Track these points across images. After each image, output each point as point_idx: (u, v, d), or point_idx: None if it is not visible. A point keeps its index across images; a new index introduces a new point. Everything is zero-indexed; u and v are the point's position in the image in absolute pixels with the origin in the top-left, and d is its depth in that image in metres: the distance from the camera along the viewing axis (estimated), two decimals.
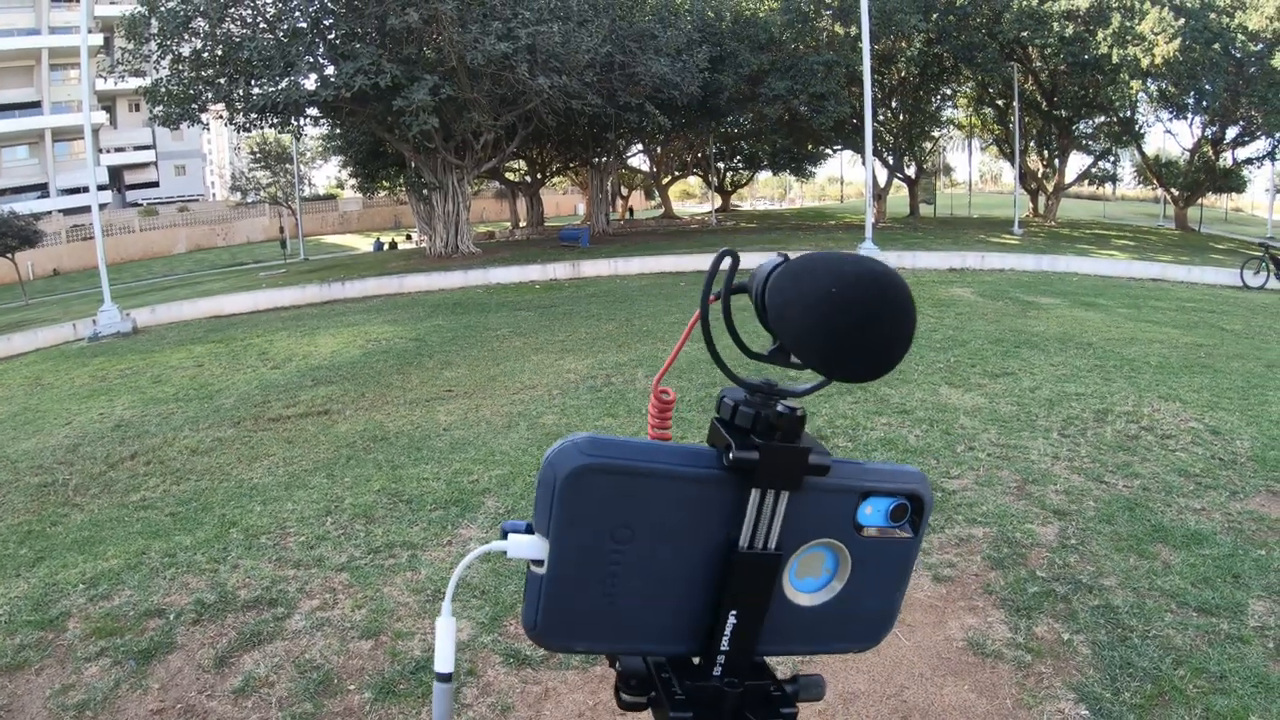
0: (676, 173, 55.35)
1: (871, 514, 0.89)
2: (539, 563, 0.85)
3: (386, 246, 45.65)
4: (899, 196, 47.67)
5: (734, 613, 0.87)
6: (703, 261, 24.12)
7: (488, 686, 3.63)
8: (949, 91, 44.39)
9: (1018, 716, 3.31)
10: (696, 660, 0.92)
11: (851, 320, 0.76)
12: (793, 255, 0.84)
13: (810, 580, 0.90)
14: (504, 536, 0.87)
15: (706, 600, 0.88)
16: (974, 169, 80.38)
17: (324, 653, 3.89)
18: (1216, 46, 31.36)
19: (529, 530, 0.86)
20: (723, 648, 0.88)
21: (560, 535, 0.83)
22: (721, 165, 53.92)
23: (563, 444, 0.83)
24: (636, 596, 0.87)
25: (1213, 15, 31.57)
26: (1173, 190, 42.56)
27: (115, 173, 54.95)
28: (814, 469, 0.84)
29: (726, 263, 0.89)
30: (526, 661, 3.77)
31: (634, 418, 7.75)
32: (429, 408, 8.99)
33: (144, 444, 8.56)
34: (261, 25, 25.67)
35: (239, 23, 25.53)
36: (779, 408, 0.84)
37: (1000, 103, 41.64)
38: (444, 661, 0.90)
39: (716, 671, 0.89)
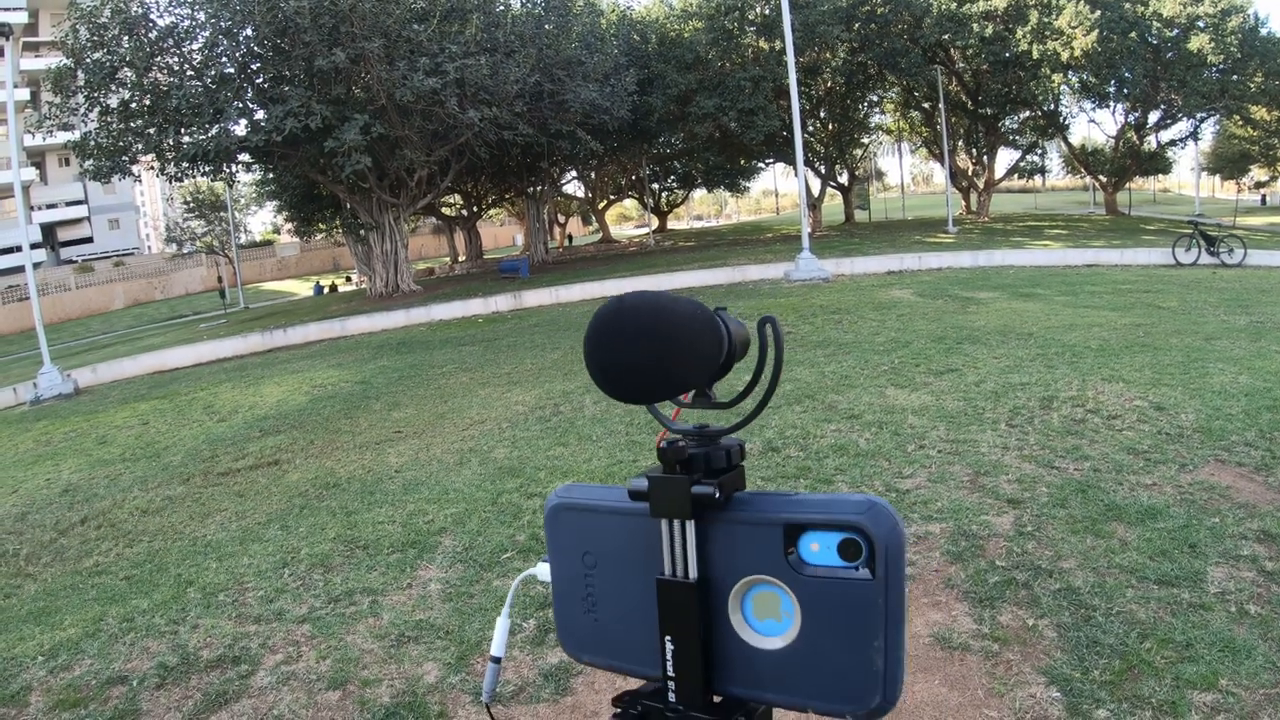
0: (612, 196, 55.60)
1: (819, 551, 0.82)
2: (546, 583, 1.04)
3: (327, 290, 45.20)
4: (834, 204, 48.27)
5: (669, 639, 0.89)
6: (644, 284, 24.16)
7: None
8: (875, 98, 45.11)
9: (990, 705, 3.33)
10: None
11: (588, 342, 0.85)
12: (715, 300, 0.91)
13: (772, 623, 0.85)
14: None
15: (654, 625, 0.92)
16: (905, 172, 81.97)
17: (292, 707, 3.82)
18: (1133, 35, 32.26)
19: None
20: (669, 673, 0.90)
21: (551, 560, 1.01)
22: (656, 186, 54.26)
23: (556, 491, 1.00)
24: (611, 617, 0.97)
25: (1128, 5, 32.49)
26: (1101, 177, 43.68)
27: (48, 230, 53.82)
28: (698, 499, 0.85)
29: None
30: (495, 699, 3.73)
31: (585, 445, 7.71)
32: (379, 450, 8.89)
33: (93, 508, 8.35)
34: (189, 72, 25.33)
35: (166, 71, 25.17)
36: (663, 442, 0.89)
37: (926, 105, 42.38)
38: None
39: (671, 698, 0.90)
